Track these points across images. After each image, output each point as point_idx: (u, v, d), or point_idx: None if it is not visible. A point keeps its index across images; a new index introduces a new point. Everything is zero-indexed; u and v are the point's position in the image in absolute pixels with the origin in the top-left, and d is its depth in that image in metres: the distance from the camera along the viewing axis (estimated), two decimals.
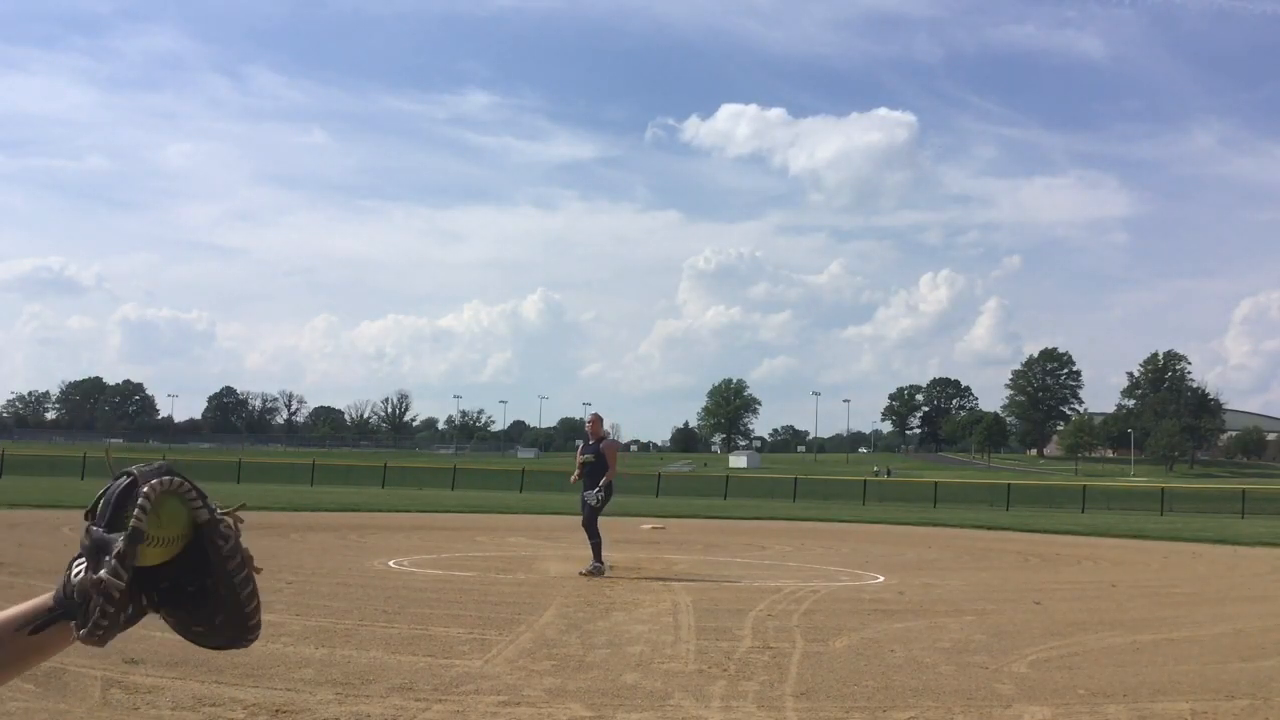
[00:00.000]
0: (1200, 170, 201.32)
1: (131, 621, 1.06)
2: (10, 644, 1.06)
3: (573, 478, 12.67)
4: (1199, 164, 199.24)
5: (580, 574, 11.60)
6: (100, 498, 1.06)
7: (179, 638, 1.11)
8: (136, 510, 1.02)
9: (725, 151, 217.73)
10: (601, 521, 12.13)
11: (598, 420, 12.73)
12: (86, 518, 1.06)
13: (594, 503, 12.03)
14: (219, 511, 1.08)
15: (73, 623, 1.04)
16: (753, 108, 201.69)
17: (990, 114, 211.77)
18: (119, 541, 1.01)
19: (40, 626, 1.05)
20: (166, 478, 1.05)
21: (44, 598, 1.07)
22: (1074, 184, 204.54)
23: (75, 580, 1.04)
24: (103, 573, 1.01)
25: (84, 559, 1.04)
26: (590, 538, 11.88)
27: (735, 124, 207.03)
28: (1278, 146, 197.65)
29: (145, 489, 1.03)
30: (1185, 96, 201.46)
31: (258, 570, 1.08)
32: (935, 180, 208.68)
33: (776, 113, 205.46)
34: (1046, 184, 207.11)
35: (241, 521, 1.10)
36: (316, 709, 5.08)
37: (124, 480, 1.06)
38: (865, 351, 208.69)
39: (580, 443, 12.93)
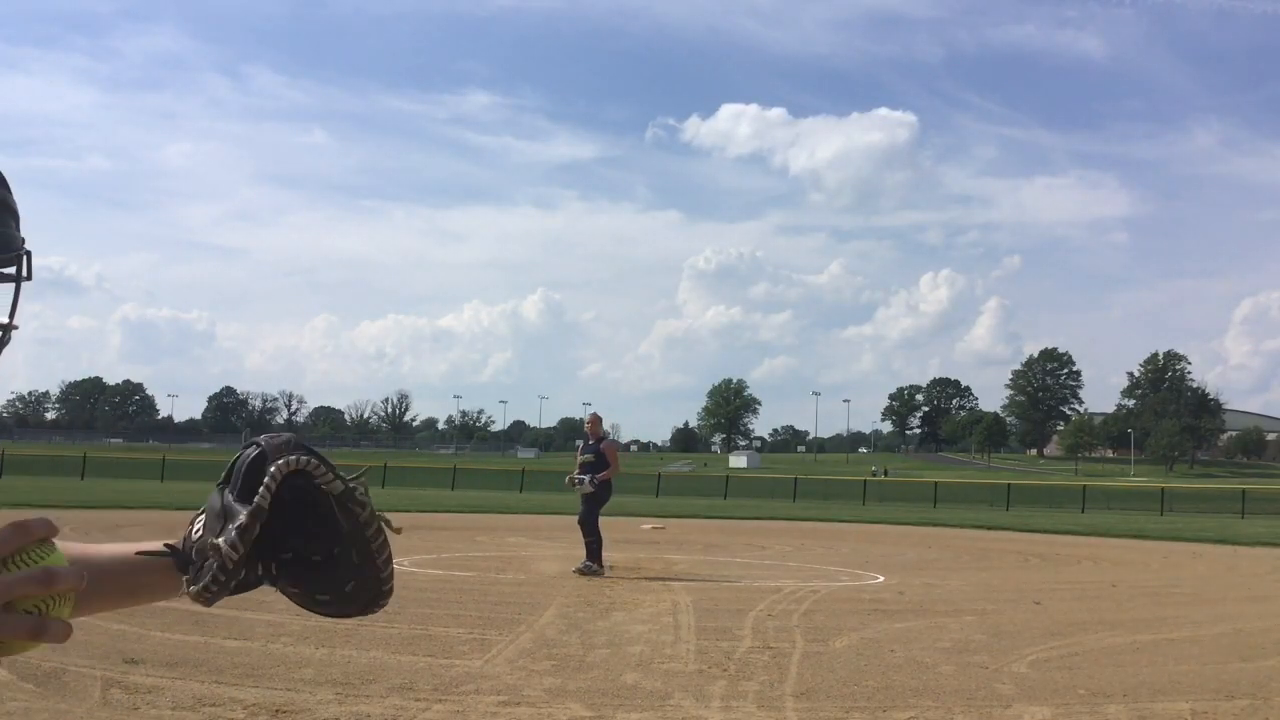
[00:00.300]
0: (1200, 170, 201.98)
1: (245, 588, 1.06)
2: (116, 577, 1.06)
3: (569, 479, 12.45)
4: (1199, 164, 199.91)
5: (574, 571, 11.58)
6: (232, 465, 1.06)
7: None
8: (262, 489, 1.01)
9: (725, 151, 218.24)
10: (602, 521, 12.10)
11: (597, 420, 12.68)
12: (220, 484, 1.06)
13: (587, 489, 11.96)
14: (351, 479, 1.05)
15: (184, 577, 1.04)
16: (753, 108, 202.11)
17: (991, 114, 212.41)
18: (243, 514, 1.01)
19: (153, 554, 1.06)
20: (293, 457, 1.03)
21: (149, 543, 1.08)
22: (1074, 184, 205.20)
23: (195, 538, 1.05)
24: (221, 540, 1.01)
25: (204, 519, 1.05)
26: (586, 535, 11.81)
27: (736, 124, 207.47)
28: (1278, 146, 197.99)
29: (272, 469, 1.02)
30: (1185, 96, 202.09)
31: (397, 530, 1.07)
32: (936, 180, 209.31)
33: (777, 113, 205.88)
34: (1047, 184, 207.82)
35: (365, 484, 1.07)
36: (316, 709, 5.08)
37: (252, 451, 1.05)
38: (865, 351, 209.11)
39: (580, 443, 12.90)
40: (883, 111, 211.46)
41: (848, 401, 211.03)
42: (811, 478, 62.40)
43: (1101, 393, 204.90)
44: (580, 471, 12.19)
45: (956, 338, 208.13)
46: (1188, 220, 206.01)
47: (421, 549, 14.97)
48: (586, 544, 11.80)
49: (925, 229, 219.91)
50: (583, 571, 11.54)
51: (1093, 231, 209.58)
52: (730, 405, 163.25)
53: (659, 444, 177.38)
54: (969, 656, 7.05)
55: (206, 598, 1.03)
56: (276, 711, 4.98)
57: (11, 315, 0.98)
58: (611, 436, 13.10)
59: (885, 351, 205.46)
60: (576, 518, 12.26)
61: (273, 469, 1.02)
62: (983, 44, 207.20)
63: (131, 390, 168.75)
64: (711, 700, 5.50)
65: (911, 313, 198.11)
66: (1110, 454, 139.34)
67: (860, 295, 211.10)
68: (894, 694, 5.81)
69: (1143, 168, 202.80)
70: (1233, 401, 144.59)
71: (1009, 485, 48.80)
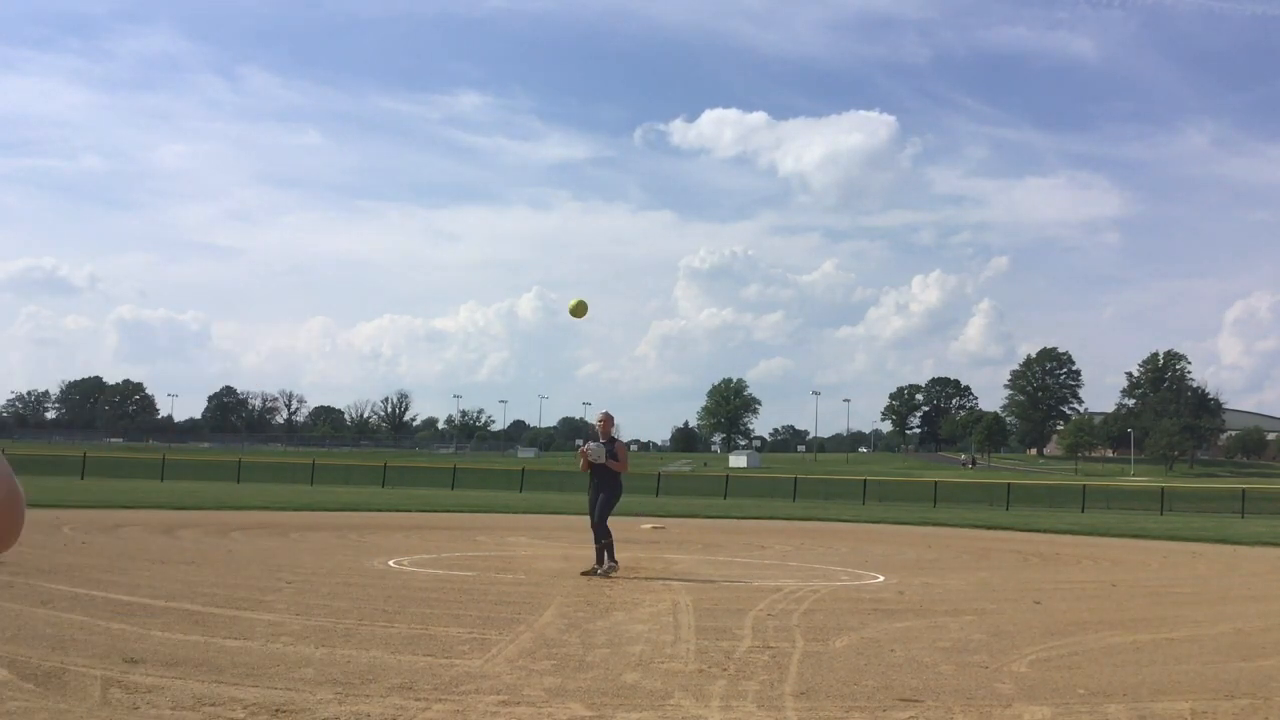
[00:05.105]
0: (1192, 170, 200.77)
1: None
2: None
3: (583, 450, 12.06)
4: (1191, 164, 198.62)
5: (583, 574, 11.56)
6: None
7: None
8: None
9: (718, 152, 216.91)
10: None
11: (608, 420, 12.29)
12: None
13: (599, 456, 11.83)
14: None
15: None
16: (746, 109, 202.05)
17: (982, 115, 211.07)
18: None
19: None
20: None
21: None
22: (1065, 184, 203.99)
23: None
24: None
25: None
26: (600, 538, 11.72)
27: (728, 125, 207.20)
28: (1270, 147, 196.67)
29: None
30: (1177, 97, 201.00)
31: None
32: (927, 181, 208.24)
33: (769, 114, 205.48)
34: (1038, 184, 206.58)
35: None
36: (316, 709, 5.08)
37: None
38: (860, 351, 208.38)
39: (585, 440, 12.49)
40: (874, 113, 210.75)
41: (848, 401, 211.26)
42: (811, 477, 62.41)
43: (1100, 393, 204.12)
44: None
45: (950, 338, 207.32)
46: (1179, 221, 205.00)
47: (421, 549, 14.98)
48: (601, 545, 11.72)
49: (917, 229, 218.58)
50: (598, 574, 11.50)
51: (1084, 232, 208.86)
52: (730, 405, 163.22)
53: (659, 443, 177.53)
54: (969, 656, 7.05)
55: None
56: (276, 711, 4.98)
57: None
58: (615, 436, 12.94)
59: (879, 351, 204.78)
60: (590, 520, 12.00)
61: None
62: (974, 45, 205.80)
63: (131, 390, 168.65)
64: (711, 700, 5.50)
65: (904, 313, 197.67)
66: (1110, 454, 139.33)
67: (853, 295, 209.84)
68: (894, 694, 5.81)
69: (1134, 168, 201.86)
70: (1227, 402, 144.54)
71: (1009, 485, 48.85)
